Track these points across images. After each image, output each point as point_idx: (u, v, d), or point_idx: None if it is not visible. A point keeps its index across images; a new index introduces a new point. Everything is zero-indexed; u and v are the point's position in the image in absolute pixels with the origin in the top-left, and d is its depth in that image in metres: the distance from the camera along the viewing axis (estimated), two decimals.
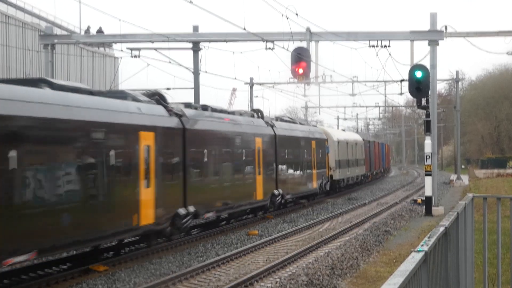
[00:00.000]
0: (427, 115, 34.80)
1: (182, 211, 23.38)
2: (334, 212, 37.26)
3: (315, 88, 67.77)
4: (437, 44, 35.20)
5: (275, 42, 35.40)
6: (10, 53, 60.02)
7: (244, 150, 29.99)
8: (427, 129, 34.81)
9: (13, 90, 16.28)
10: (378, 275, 19.01)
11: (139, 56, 37.60)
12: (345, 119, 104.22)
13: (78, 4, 78.70)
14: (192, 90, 39.01)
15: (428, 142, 34.82)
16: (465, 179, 68.29)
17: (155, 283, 17.57)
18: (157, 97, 23.74)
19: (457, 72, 70.67)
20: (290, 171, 37.18)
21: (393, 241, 26.31)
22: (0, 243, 15.06)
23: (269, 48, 35.69)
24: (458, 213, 9.45)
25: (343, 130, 68.06)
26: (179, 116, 24.07)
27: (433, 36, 35.07)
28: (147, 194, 21.01)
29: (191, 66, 38.59)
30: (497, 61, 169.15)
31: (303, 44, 34.45)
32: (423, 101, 33.93)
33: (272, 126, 34.77)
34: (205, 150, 25.82)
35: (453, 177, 69.60)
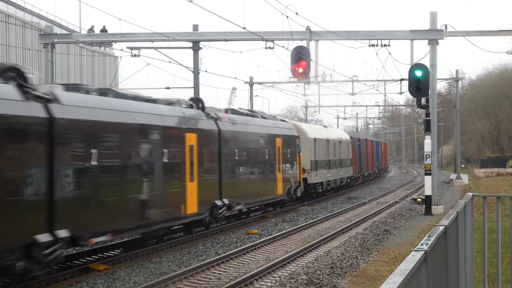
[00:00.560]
0: (427, 114, 34.80)
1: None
2: (334, 211, 37.27)
3: (315, 87, 67.76)
4: (437, 43, 35.20)
5: (275, 41, 35.40)
6: (10, 52, 60.01)
7: (165, 151, 22.81)
8: (427, 128, 34.81)
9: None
10: (378, 274, 19.02)
11: (139, 56, 37.60)
12: (345, 118, 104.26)
13: (78, 3, 78.66)
14: (192, 89, 39.01)
15: (428, 141, 34.82)
16: (465, 178, 68.31)
17: (155, 282, 17.57)
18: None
19: (457, 71, 70.72)
20: (243, 174, 30.80)
21: (393, 240, 26.32)
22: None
23: (269, 47, 35.69)
24: (458, 212, 9.45)
25: (325, 126, 59.81)
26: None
27: (433, 35, 35.07)
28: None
29: (191, 65, 38.59)
30: (497, 60, 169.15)
31: (303, 43, 34.45)
32: (423, 100, 33.95)
33: (216, 119, 28.19)
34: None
35: (453, 176, 69.60)
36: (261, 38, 35.03)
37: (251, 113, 34.66)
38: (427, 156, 34.93)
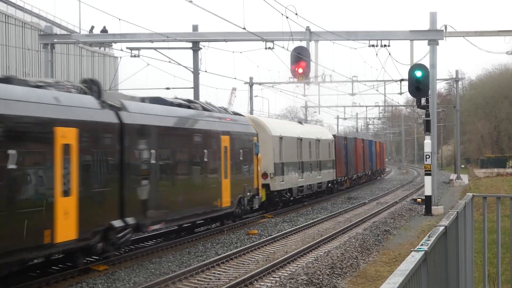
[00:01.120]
0: (427, 115, 34.80)
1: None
2: (334, 212, 37.27)
3: (314, 87, 67.74)
4: (437, 43, 35.21)
5: (275, 42, 35.41)
6: (9, 53, 60.01)
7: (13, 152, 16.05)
8: (427, 128, 34.82)
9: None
10: (378, 275, 19.02)
11: (138, 56, 37.61)
12: (345, 118, 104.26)
13: (78, 3, 78.69)
14: (192, 89, 39.02)
15: (427, 141, 34.83)
16: (464, 178, 68.31)
17: (155, 282, 17.58)
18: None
19: (456, 72, 70.71)
20: (164, 182, 23.26)
21: (393, 240, 26.32)
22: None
23: (269, 48, 35.69)
24: (458, 212, 9.45)
25: (300, 123, 50.45)
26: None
27: (433, 36, 35.08)
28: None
29: (191, 65, 38.60)
30: (497, 61, 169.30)
31: (303, 43, 34.45)
32: (423, 100, 33.96)
33: (118, 109, 20.76)
34: None
35: (453, 176, 69.60)
36: (261, 38, 35.04)
37: (187, 104, 26.60)
38: (427, 156, 34.93)
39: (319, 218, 33.63)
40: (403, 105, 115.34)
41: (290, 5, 29.04)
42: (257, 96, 75.71)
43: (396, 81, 53.38)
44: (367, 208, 40.24)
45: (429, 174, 34.87)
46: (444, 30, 35.37)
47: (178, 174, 24.12)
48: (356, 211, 38.52)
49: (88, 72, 75.23)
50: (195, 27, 38.04)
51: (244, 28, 30.11)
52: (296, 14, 30.26)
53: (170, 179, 23.68)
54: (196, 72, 38.51)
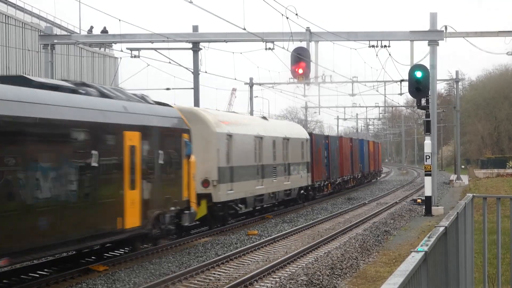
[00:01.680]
0: (427, 115, 34.81)
1: None
2: (334, 212, 37.27)
3: (315, 88, 67.72)
4: (437, 44, 35.21)
5: (275, 42, 35.42)
6: (9, 53, 60.01)
7: None
8: (427, 129, 34.82)
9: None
10: (378, 275, 19.01)
11: (139, 56, 37.61)
12: (345, 119, 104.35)
13: (78, 4, 78.77)
14: (192, 90, 39.02)
15: (428, 142, 34.83)
16: (465, 179, 68.32)
17: (155, 283, 17.57)
18: None
19: (457, 72, 70.73)
20: (10, 199, 16.19)
21: (393, 241, 26.31)
22: None
23: (269, 48, 35.71)
24: (458, 213, 9.45)
25: (264, 117, 40.18)
26: None
27: (433, 36, 35.08)
28: None
29: (191, 66, 38.61)
30: (497, 62, 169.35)
31: (303, 44, 34.46)
32: (423, 101, 33.96)
33: None
34: None
35: (453, 177, 69.61)
36: (261, 39, 35.04)
37: (70, 87, 19.63)
38: (427, 157, 34.93)
39: (319, 219, 33.63)
40: (403, 106, 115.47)
41: (290, 6, 29.05)
42: (257, 96, 75.75)
43: (396, 81, 53.39)
44: (367, 209, 40.24)
45: (429, 175, 34.86)
46: (444, 31, 35.37)
47: (39, 186, 16.70)
48: (356, 212, 38.52)
49: (88, 72, 75.22)
50: (195, 28, 38.05)
51: (244, 29, 30.12)
52: (296, 14, 30.28)
53: (21, 194, 16.21)
54: (196, 72, 38.52)
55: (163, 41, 36.08)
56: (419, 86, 32.74)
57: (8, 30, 60.20)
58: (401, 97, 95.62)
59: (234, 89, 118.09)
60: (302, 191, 41.54)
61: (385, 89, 63.72)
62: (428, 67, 34.09)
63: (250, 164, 32.42)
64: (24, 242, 16.29)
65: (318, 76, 40.16)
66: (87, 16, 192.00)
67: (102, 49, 69.22)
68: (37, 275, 18.70)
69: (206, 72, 40.16)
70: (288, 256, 21.77)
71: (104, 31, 42.45)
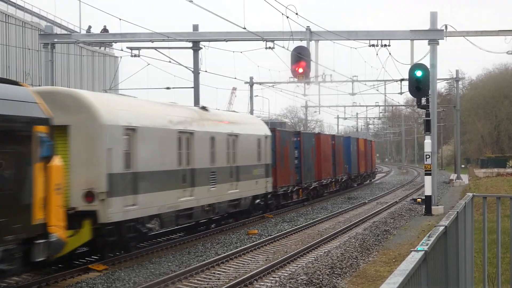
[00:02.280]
0: (427, 115, 34.80)
1: None
2: (334, 212, 37.26)
3: (315, 87, 67.64)
4: (437, 43, 35.20)
5: (275, 42, 35.41)
6: (9, 52, 60.00)
7: None
8: (427, 128, 34.81)
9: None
10: (378, 275, 19.01)
11: (139, 56, 37.60)
12: (345, 118, 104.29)
13: (78, 3, 78.72)
14: (192, 89, 39.01)
15: (428, 141, 34.82)
16: (465, 178, 68.31)
17: (155, 282, 17.57)
18: None
19: (457, 72, 70.71)
20: None
21: (393, 240, 26.31)
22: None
23: (269, 48, 35.69)
24: (458, 212, 9.45)
25: (203, 107, 29.82)
26: None
27: (433, 35, 35.06)
28: None
29: (191, 65, 38.59)
30: (497, 61, 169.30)
31: (303, 43, 34.44)
32: (423, 100, 33.95)
33: None
34: None
35: (453, 176, 69.60)
36: (261, 38, 35.03)
37: None
38: (427, 156, 34.92)
39: (319, 218, 33.63)
40: (403, 105, 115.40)
41: (291, 5, 29.04)
42: (257, 96, 75.68)
43: (396, 81, 53.37)
44: (367, 208, 40.24)
45: (429, 174, 34.86)
46: (445, 30, 35.36)
47: None
48: (356, 211, 38.52)
49: (88, 72, 75.21)
50: (195, 27, 38.04)
51: (245, 28, 30.11)
52: (297, 14, 30.26)
53: None
54: (196, 72, 38.50)
55: (163, 40, 36.07)
56: (419, 85, 32.73)
57: (8, 29, 60.19)
58: (401, 96, 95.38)
59: (234, 88, 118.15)
60: (258, 201, 33.36)
61: (385, 88, 63.54)
62: (428, 66, 34.07)
63: (170, 168, 24.01)
64: None
65: (318, 75, 40.06)
66: (87, 15, 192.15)
67: (102, 48, 69.21)
68: (37, 275, 18.69)
69: (206, 71, 40.18)
70: (288, 255, 21.77)
71: (105, 30, 42.40)
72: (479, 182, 57.95)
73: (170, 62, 38.13)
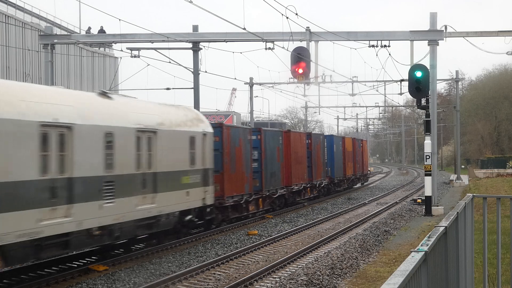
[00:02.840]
0: (427, 115, 34.80)
1: None
2: (334, 212, 37.27)
3: (315, 88, 67.76)
4: (437, 44, 35.21)
5: (275, 42, 35.41)
6: (9, 53, 60.01)
7: None
8: (427, 129, 34.81)
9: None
10: (378, 275, 19.01)
11: (139, 56, 37.59)
12: (345, 119, 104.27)
13: (78, 4, 78.72)
14: (192, 90, 39.01)
15: (428, 142, 34.83)
16: (465, 179, 68.31)
17: (155, 282, 17.58)
18: None
19: (457, 72, 70.69)
20: None
21: (393, 241, 26.31)
22: None
23: (269, 48, 35.69)
24: (458, 213, 9.45)
25: (102, 93, 21.69)
26: None
27: (433, 36, 35.07)
28: None
29: (191, 66, 38.59)
30: (497, 61, 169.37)
31: (303, 44, 34.44)
32: (423, 101, 33.95)
33: None
34: None
35: (453, 177, 69.59)
36: (261, 38, 35.04)
37: None
38: (427, 157, 34.92)
39: (319, 219, 33.63)
40: (403, 106, 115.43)
41: (290, 5, 29.03)
42: (257, 96, 75.70)
43: (396, 81, 53.36)
44: (367, 209, 40.24)
45: (429, 175, 34.86)
46: (444, 31, 35.36)
47: None
48: (356, 212, 38.52)
49: (88, 72, 75.22)
50: (195, 28, 38.04)
51: (244, 29, 30.11)
52: (296, 14, 30.24)
53: None
54: (196, 72, 38.50)
55: (163, 41, 36.07)
56: (419, 86, 32.73)
57: (8, 30, 60.20)
58: (401, 97, 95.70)
59: (234, 89, 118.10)
60: (190, 217, 25.37)
61: (385, 89, 63.84)
62: (428, 67, 34.08)
63: (21, 179, 16.55)
64: None
65: (318, 76, 40.06)
66: (87, 16, 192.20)
67: (102, 49, 69.23)
68: (37, 275, 18.69)
69: (206, 72, 40.20)
70: (288, 256, 21.77)
71: (102, 30, 42.34)
72: (479, 182, 57.97)
73: (170, 62, 38.13)
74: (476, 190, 43.95)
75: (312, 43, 34.96)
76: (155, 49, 37.73)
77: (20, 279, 18.10)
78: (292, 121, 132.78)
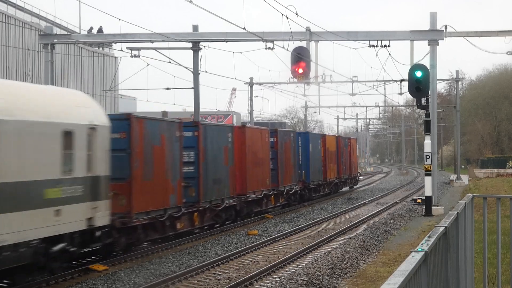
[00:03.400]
0: (427, 115, 34.80)
1: None
2: (334, 212, 37.27)
3: (315, 88, 67.72)
4: (437, 44, 35.19)
5: (275, 42, 35.40)
6: (9, 53, 59.99)
7: None
8: (427, 129, 34.81)
9: None
10: (378, 275, 19.01)
11: (139, 56, 37.59)
12: (345, 119, 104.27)
13: (78, 3, 78.73)
14: (192, 90, 39.00)
15: (428, 142, 34.82)
16: (465, 179, 68.30)
17: (155, 282, 17.58)
18: None
19: (457, 72, 70.69)
20: None
21: (393, 241, 26.31)
22: None
23: (269, 48, 35.69)
24: (458, 213, 9.44)
25: None
26: None
27: (433, 36, 35.06)
28: None
29: (191, 66, 38.58)
30: (497, 61, 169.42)
31: (303, 44, 34.43)
32: (423, 101, 33.95)
33: None
34: None
35: (453, 177, 69.58)
36: (261, 38, 35.03)
37: None
38: (427, 157, 34.92)
39: (319, 219, 33.63)
40: (403, 106, 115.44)
41: (290, 5, 29.03)
42: (257, 96, 75.72)
43: (396, 81, 53.37)
44: (367, 209, 40.24)
45: (429, 175, 34.85)
46: (444, 30, 35.34)
47: None
48: (356, 212, 38.52)
49: (88, 72, 75.23)
50: (195, 27, 38.03)
51: (244, 28, 30.10)
52: (296, 14, 30.24)
53: None
54: (196, 72, 38.49)
55: (163, 41, 36.06)
56: (419, 86, 32.73)
57: (8, 30, 60.18)
58: (401, 96, 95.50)
59: (234, 89, 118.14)
60: (62, 245, 18.18)
61: (385, 89, 63.69)
62: (428, 67, 34.07)
63: None
64: None
65: (318, 76, 40.04)
66: (87, 15, 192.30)
67: (101, 49, 69.22)
68: (37, 275, 18.65)
69: (206, 71, 40.14)
70: (288, 256, 21.77)
71: (100, 30, 42.33)
72: (479, 182, 57.95)
73: (170, 62, 38.14)
74: (476, 190, 43.95)
75: (312, 43, 34.96)
76: (155, 49, 37.72)
77: (20, 279, 18.06)
78: (292, 121, 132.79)
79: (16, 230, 16.26)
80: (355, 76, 57.50)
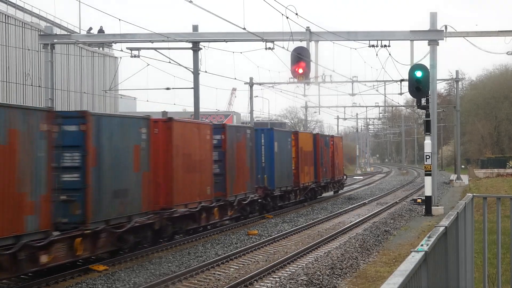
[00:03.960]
0: (427, 115, 34.80)
1: None
2: (334, 212, 37.26)
3: (315, 88, 67.64)
4: (437, 44, 35.19)
5: (275, 42, 35.39)
6: (9, 53, 59.98)
7: None
8: (427, 129, 34.81)
9: None
10: (378, 275, 19.01)
11: (138, 56, 37.57)
12: (345, 119, 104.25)
13: (78, 3, 78.72)
14: (192, 90, 38.99)
15: (428, 142, 34.82)
16: (465, 179, 68.28)
17: (155, 282, 17.58)
18: None
19: (457, 72, 70.66)
20: None
21: (393, 241, 26.31)
22: None
23: (269, 48, 35.67)
24: (458, 213, 9.44)
25: None
26: None
27: (433, 36, 35.05)
28: None
29: (191, 66, 38.57)
30: (497, 61, 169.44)
31: (303, 44, 34.42)
32: (423, 101, 33.95)
33: None
34: None
35: (453, 177, 69.57)
36: (261, 38, 35.02)
37: None
38: (427, 157, 34.92)
39: (319, 219, 33.63)
40: (403, 106, 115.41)
41: (290, 5, 29.00)
42: (257, 96, 75.64)
43: (396, 81, 53.33)
44: (367, 209, 40.24)
45: (429, 175, 34.85)
46: (444, 30, 35.33)
47: None
48: (356, 212, 38.52)
49: (88, 72, 75.24)
50: (195, 27, 38.02)
51: (244, 28, 30.09)
52: (296, 14, 30.22)
53: None
54: (196, 72, 38.48)
55: (163, 41, 36.05)
56: (419, 86, 32.73)
57: (8, 30, 60.19)
58: (401, 96, 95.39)
59: (234, 89, 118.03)
60: None
61: (385, 89, 63.36)
62: (428, 67, 34.06)
63: None
64: None
65: (318, 76, 40.00)
66: (87, 15, 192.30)
67: (101, 49, 69.24)
68: (37, 275, 18.67)
69: (206, 71, 40.10)
70: (288, 256, 21.77)
71: (101, 30, 42.33)
72: (479, 182, 57.95)
73: (170, 62, 38.12)
74: (476, 190, 43.94)
75: (312, 43, 34.95)
76: (155, 49, 37.71)
77: (20, 279, 18.08)
78: (292, 121, 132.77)
79: None
80: (355, 76, 57.47)
